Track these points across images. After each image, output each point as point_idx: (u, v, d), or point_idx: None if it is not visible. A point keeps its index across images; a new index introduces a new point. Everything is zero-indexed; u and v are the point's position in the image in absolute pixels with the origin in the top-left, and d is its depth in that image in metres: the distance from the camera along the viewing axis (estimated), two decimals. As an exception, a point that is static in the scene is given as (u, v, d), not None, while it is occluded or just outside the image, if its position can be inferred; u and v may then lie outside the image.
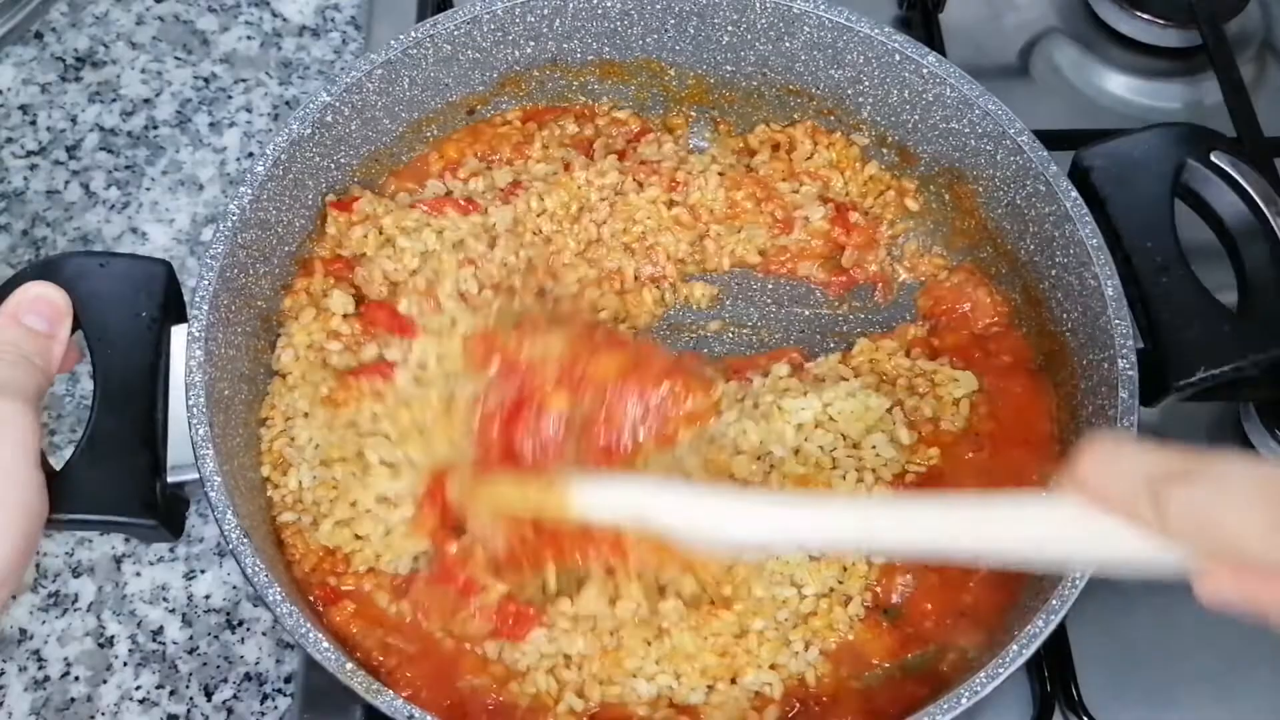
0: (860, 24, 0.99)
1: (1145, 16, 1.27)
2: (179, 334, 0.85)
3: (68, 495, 0.78)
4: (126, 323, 0.85)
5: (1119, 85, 1.27)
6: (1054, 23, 1.32)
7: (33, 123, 1.23)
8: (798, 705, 0.85)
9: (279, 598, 0.77)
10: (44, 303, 0.80)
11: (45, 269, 0.84)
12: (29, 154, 1.22)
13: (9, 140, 1.22)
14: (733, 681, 0.85)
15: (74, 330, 0.83)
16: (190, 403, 0.82)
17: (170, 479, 0.82)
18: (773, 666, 0.85)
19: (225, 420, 0.85)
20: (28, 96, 1.25)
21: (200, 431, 0.81)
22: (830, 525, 0.71)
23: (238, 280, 0.89)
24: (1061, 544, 0.64)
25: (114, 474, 0.81)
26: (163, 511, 0.81)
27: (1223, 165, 0.94)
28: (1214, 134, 0.95)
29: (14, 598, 1.00)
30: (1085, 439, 0.62)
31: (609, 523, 0.79)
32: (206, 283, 0.86)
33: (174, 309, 0.87)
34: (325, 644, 0.76)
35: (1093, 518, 0.60)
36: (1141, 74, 1.28)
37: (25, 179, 1.20)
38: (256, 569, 0.77)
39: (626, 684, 0.84)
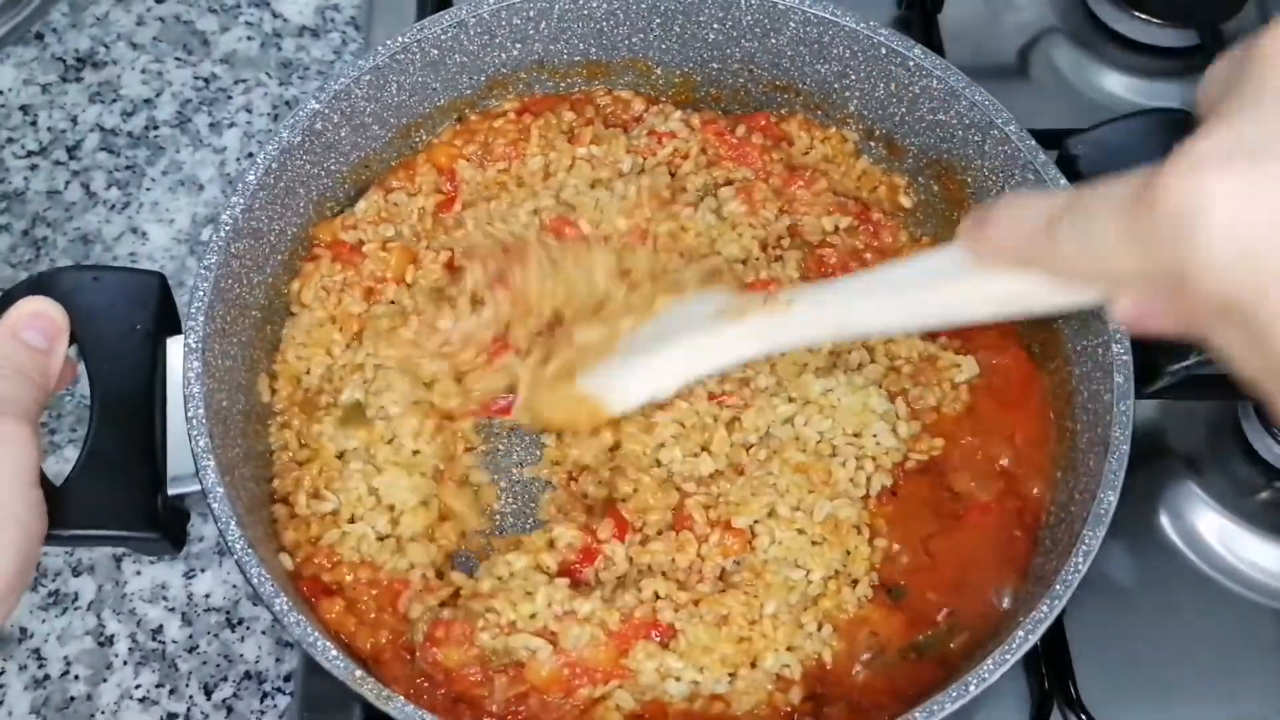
0: (845, 18, 0.99)
1: (1143, 16, 1.27)
2: (175, 345, 0.85)
3: (68, 511, 0.77)
4: (122, 336, 0.85)
5: (1117, 85, 1.28)
6: (1053, 23, 1.32)
7: (33, 123, 1.23)
8: (819, 687, 0.86)
9: (285, 608, 0.77)
10: (42, 318, 0.80)
11: (39, 284, 0.83)
12: (29, 154, 1.22)
13: (9, 140, 1.22)
14: (753, 666, 0.86)
15: (69, 345, 0.83)
16: (189, 414, 0.82)
17: (171, 491, 0.82)
18: (789, 649, 0.86)
19: (224, 431, 0.85)
20: (28, 97, 1.25)
21: (201, 443, 0.81)
22: (773, 333, 0.82)
23: (232, 290, 0.89)
24: (975, 305, 0.69)
25: (114, 488, 0.81)
26: (164, 524, 0.82)
27: (1209, 150, 0.94)
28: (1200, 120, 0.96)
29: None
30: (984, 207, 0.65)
31: (638, 405, 0.90)
32: (201, 293, 0.86)
33: (169, 321, 0.87)
34: (334, 651, 0.76)
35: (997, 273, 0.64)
36: (1140, 73, 1.28)
37: (26, 179, 1.20)
38: (262, 580, 0.77)
39: (659, 686, 0.84)
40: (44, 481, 0.76)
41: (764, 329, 0.82)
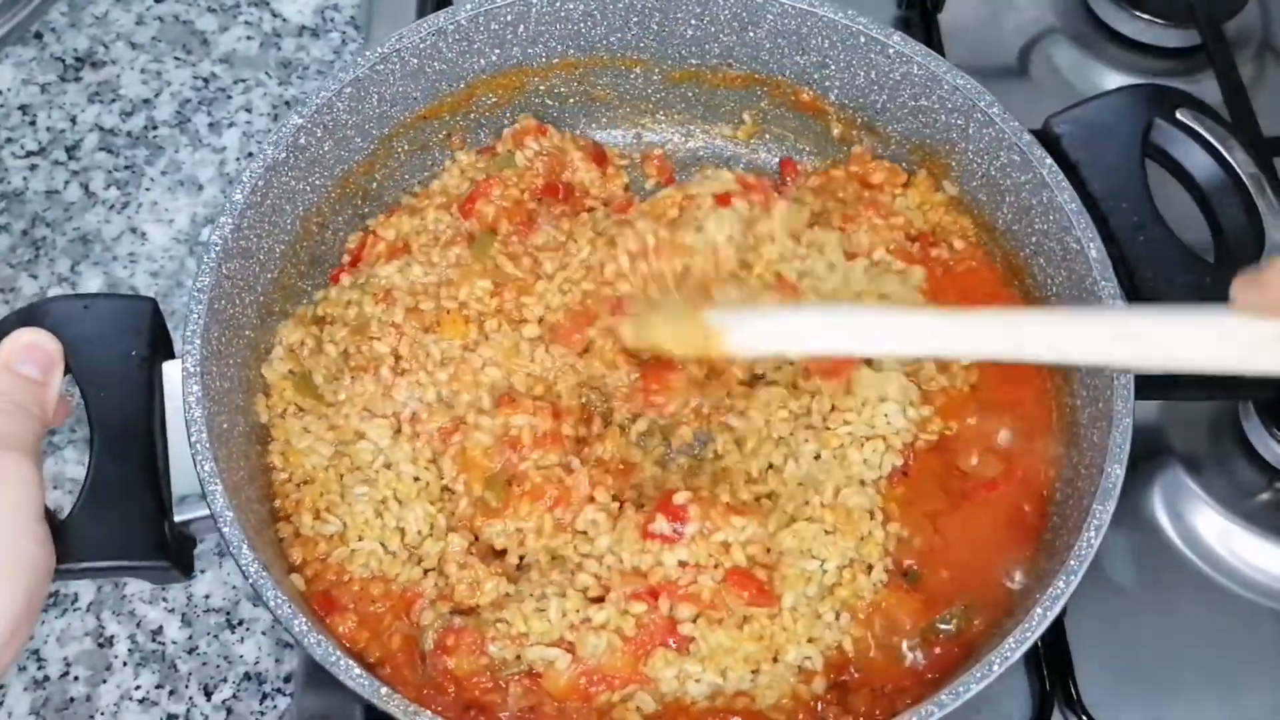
0: (823, 8, 1.00)
1: (1145, 16, 1.27)
2: (172, 370, 0.84)
3: (76, 545, 0.76)
4: (117, 363, 0.84)
5: (1118, 85, 1.23)
6: (1053, 23, 1.32)
7: (32, 123, 1.22)
8: (842, 675, 0.86)
9: (305, 628, 0.76)
10: (36, 350, 0.78)
11: (29, 316, 0.82)
12: (29, 154, 1.20)
13: (9, 140, 1.21)
14: (775, 661, 0.86)
15: (64, 375, 0.81)
16: (193, 439, 0.81)
17: (177, 518, 0.81)
18: (810, 640, 0.86)
19: (228, 454, 0.84)
20: (27, 96, 1.23)
21: (206, 467, 0.80)
22: (979, 335, 0.78)
23: (225, 311, 0.88)
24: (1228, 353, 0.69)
25: (121, 518, 0.79)
26: (173, 552, 0.80)
27: (1189, 122, 0.96)
28: (1178, 92, 0.98)
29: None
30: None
31: (760, 356, 0.91)
32: (196, 316, 0.85)
33: (162, 345, 0.86)
34: (357, 670, 0.76)
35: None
36: (1141, 74, 1.27)
37: (25, 179, 1.19)
38: (280, 602, 0.77)
39: (681, 688, 0.84)
40: (48, 515, 0.75)
41: (949, 327, 0.79)
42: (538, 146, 1.05)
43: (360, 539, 0.89)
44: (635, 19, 1.04)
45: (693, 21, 1.03)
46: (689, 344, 0.86)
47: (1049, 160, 0.93)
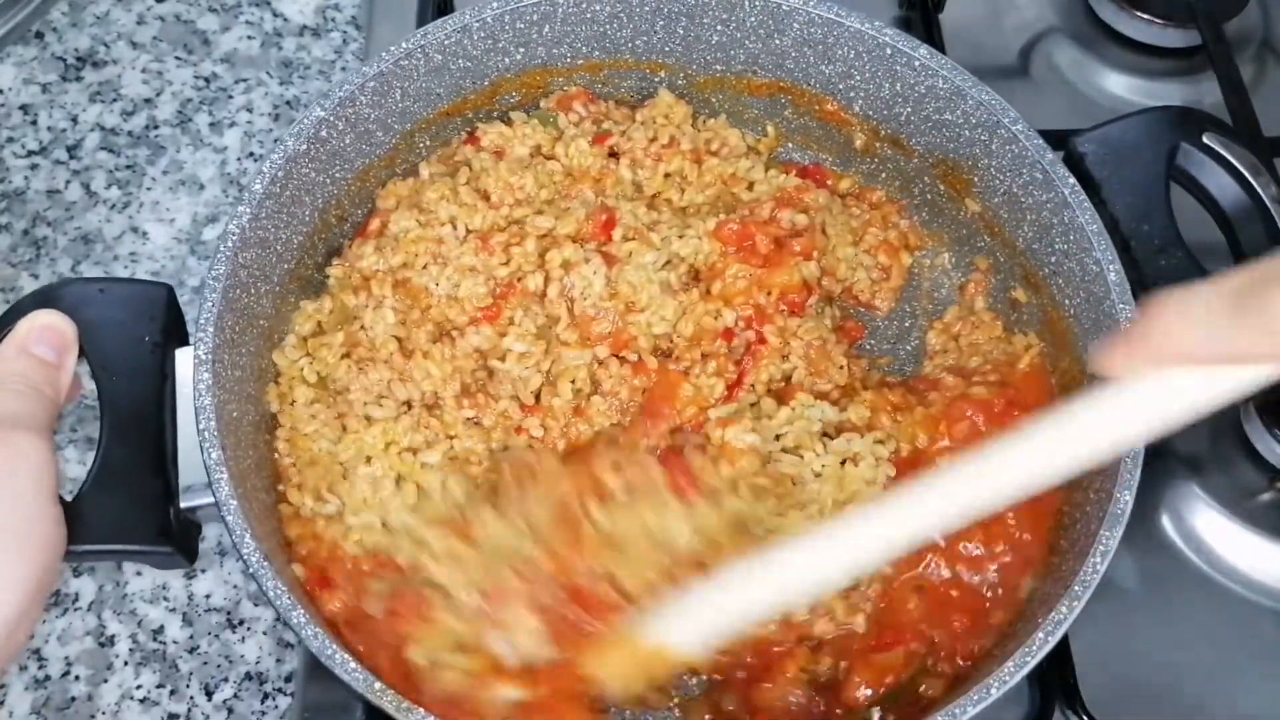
0: (850, 19, 0.99)
1: (1145, 16, 1.26)
2: (183, 357, 0.84)
3: (81, 527, 0.76)
4: (130, 348, 0.84)
5: (1119, 85, 1.27)
6: (1054, 23, 1.31)
7: (34, 122, 1.23)
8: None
9: (303, 620, 0.76)
10: (52, 332, 0.79)
11: (46, 297, 0.83)
12: (30, 154, 1.21)
13: (10, 140, 1.22)
14: None
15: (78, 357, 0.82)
16: (201, 426, 0.81)
17: (183, 504, 0.81)
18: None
19: (236, 442, 0.84)
20: (28, 96, 1.24)
21: (214, 455, 0.80)
22: (904, 528, 0.72)
23: (240, 300, 0.89)
24: (1128, 427, 0.66)
25: (127, 502, 0.80)
26: (178, 537, 0.81)
27: (1215, 147, 0.95)
28: (1205, 116, 0.96)
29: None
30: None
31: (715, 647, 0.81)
32: (210, 304, 0.85)
33: (177, 332, 0.87)
34: (352, 664, 0.76)
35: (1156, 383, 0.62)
36: (1141, 74, 1.27)
37: (26, 179, 1.20)
38: (279, 592, 0.77)
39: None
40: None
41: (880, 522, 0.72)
42: (584, 112, 1.05)
43: (356, 515, 0.88)
44: (661, 23, 1.04)
45: (719, 27, 1.03)
46: (651, 673, 0.80)
47: (1071, 180, 0.92)
